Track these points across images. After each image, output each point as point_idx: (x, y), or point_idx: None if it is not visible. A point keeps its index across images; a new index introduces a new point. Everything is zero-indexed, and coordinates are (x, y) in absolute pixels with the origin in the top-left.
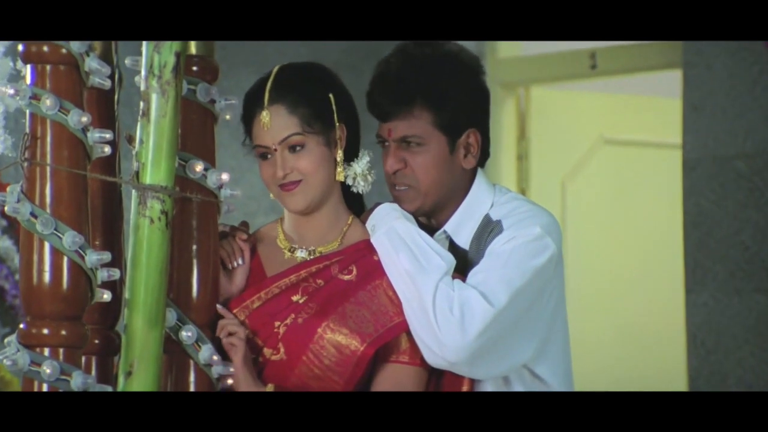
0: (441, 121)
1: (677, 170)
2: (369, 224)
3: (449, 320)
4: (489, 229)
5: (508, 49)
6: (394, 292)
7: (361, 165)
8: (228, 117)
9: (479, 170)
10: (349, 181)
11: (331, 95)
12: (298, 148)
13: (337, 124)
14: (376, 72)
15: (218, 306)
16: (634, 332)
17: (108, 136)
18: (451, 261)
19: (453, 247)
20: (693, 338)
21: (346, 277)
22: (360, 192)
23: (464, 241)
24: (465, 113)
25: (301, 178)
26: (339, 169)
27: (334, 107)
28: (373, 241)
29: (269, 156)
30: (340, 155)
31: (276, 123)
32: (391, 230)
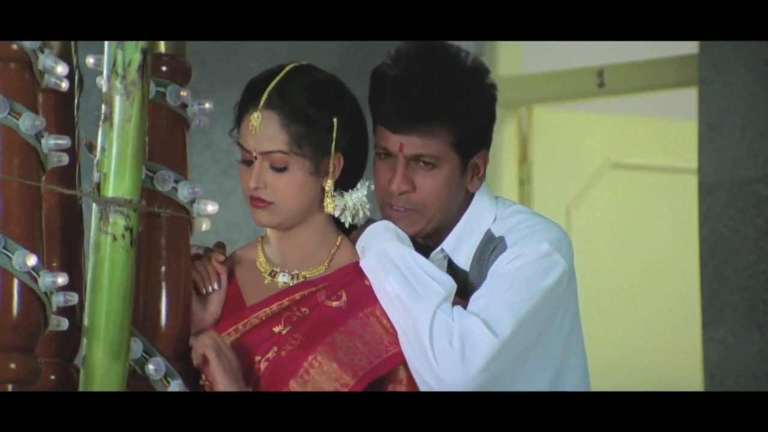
0: (459, 142)
1: (691, 195)
2: (359, 246)
3: (448, 354)
4: (491, 246)
5: (509, 67)
6: (389, 319)
7: (354, 197)
8: (202, 123)
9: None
10: (336, 212)
11: (335, 120)
12: (280, 166)
13: (333, 152)
14: (395, 74)
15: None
16: (646, 371)
17: (64, 142)
18: (450, 286)
19: (451, 268)
20: (710, 377)
21: (335, 304)
22: (346, 224)
23: (464, 261)
24: (481, 134)
25: (272, 201)
26: (328, 200)
27: (334, 134)
28: (362, 265)
29: (249, 161)
30: (329, 185)
31: (264, 131)
32: (381, 253)
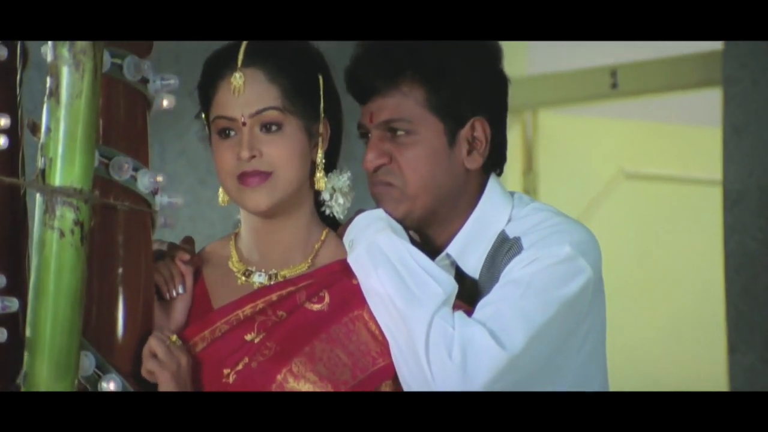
0: (437, 102)
1: (713, 208)
2: (347, 239)
3: (446, 367)
4: (505, 249)
5: (511, 67)
6: (378, 325)
7: (341, 179)
8: (165, 104)
9: (493, 177)
10: (326, 196)
11: (320, 76)
12: (273, 127)
13: (323, 116)
14: (360, 45)
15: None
16: None
17: (4, 122)
18: (450, 287)
19: (459, 276)
20: None
21: (316, 307)
22: (334, 214)
23: (473, 268)
24: (469, 95)
25: (270, 171)
26: (319, 174)
27: (321, 93)
28: (350, 260)
29: (232, 133)
30: (320, 156)
31: (251, 90)
32: (372, 246)
